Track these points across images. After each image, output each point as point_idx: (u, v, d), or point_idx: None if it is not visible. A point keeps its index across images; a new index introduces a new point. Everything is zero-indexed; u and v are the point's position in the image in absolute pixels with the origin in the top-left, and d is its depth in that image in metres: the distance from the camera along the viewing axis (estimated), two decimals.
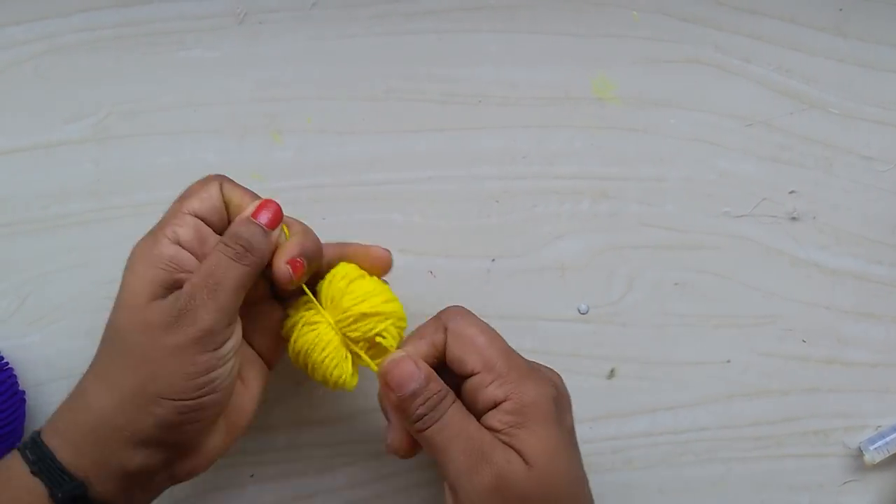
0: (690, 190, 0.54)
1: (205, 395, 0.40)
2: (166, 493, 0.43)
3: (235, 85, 0.53)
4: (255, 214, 0.42)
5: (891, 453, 0.52)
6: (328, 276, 0.45)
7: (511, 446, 0.40)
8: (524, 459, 0.40)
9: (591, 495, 0.43)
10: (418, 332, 0.44)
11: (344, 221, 0.53)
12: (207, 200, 0.43)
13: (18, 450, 0.41)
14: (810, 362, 0.53)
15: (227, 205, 0.44)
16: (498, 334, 0.43)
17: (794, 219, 0.54)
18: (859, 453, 0.52)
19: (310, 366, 0.44)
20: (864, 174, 0.54)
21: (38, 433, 0.41)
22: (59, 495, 0.39)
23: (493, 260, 0.53)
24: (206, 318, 0.40)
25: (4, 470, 0.40)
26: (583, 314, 0.53)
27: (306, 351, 0.44)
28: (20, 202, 0.52)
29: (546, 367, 0.45)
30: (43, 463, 0.40)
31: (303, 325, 0.44)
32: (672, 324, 0.53)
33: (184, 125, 0.53)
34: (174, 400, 0.40)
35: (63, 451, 0.40)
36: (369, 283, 0.45)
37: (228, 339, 0.41)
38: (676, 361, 0.53)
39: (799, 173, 0.54)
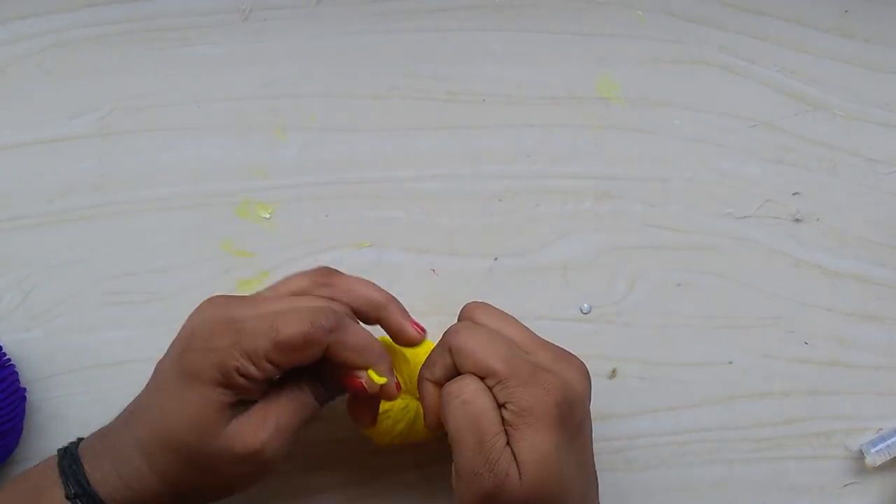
0: (694, 191, 0.54)
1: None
2: None
3: (239, 82, 0.54)
4: None
5: (892, 456, 0.51)
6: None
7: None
8: (518, 469, 0.40)
9: (593, 494, 0.43)
10: (430, 361, 0.45)
11: (347, 219, 0.53)
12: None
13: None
14: (812, 364, 0.53)
15: None
16: (507, 337, 0.44)
17: (797, 220, 0.54)
18: (861, 456, 0.52)
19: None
20: (868, 176, 0.54)
21: (81, 467, 0.42)
22: None
23: (496, 259, 0.53)
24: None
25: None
26: (585, 314, 0.53)
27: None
28: (23, 197, 0.52)
29: (568, 361, 0.44)
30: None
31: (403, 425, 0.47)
32: (674, 324, 0.53)
33: (187, 121, 0.53)
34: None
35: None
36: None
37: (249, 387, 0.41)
38: (678, 362, 0.52)
39: (803, 175, 0.54)
